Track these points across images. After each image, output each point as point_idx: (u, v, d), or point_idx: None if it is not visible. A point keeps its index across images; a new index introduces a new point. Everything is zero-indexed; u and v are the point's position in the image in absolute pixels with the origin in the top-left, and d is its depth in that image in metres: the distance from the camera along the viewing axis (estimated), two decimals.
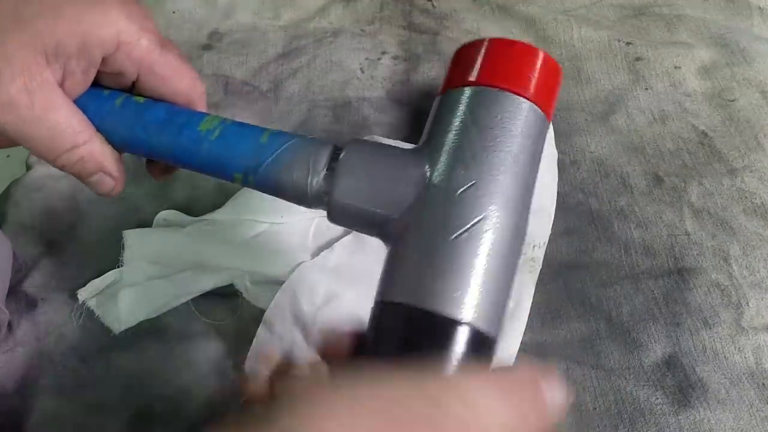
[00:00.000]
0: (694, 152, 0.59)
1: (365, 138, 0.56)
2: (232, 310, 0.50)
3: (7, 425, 0.45)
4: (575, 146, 0.60)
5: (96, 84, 0.34)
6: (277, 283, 0.49)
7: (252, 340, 0.47)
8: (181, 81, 0.34)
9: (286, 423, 0.20)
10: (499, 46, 0.28)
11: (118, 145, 0.34)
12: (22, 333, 0.48)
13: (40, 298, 0.50)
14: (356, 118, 0.61)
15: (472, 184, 0.25)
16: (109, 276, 0.50)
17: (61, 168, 0.33)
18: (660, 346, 0.48)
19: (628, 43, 0.67)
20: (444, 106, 0.28)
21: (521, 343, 0.47)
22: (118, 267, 0.50)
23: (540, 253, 0.52)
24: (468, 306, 0.24)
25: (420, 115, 0.62)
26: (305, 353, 0.45)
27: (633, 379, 0.46)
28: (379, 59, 0.66)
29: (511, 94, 0.27)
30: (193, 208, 0.54)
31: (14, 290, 0.50)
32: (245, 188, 0.53)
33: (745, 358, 0.47)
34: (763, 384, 0.46)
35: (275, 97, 0.63)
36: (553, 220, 0.53)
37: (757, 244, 0.53)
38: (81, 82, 0.32)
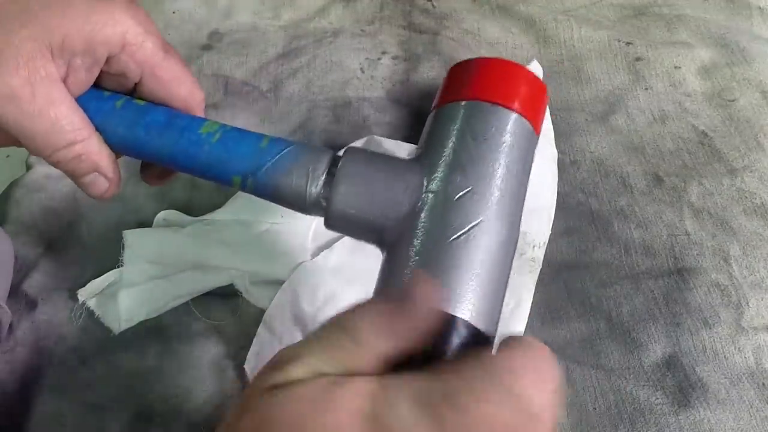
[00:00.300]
0: (694, 152, 0.59)
1: (365, 138, 0.56)
2: (232, 310, 0.50)
3: (7, 425, 0.45)
4: (575, 146, 0.60)
5: (97, 85, 0.34)
6: (277, 283, 0.49)
7: (252, 340, 0.47)
8: (181, 87, 0.34)
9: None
10: (490, 64, 0.31)
11: (116, 146, 0.34)
12: (22, 333, 0.48)
13: (40, 298, 0.50)
14: (356, 118, 0.61)
15: (469, 190, 0.27)
16: (109, 276, 0.50)
17: (56, 165, 0.33)
18: (660, 346, 0.48)
19: (628, 43, 0.67)
20: (440, 119, 0.30)
21: None
22: (118, 267, 0.50)
23: (540, 253, 0.52)
24: (465, 304, 0.25)
25: (420, 115, 0.62)
26: None
27: (633, 379, 0.46)
28: (379, 59, 0.66)
29: (503, 107, 0.29)
30: (193, 208, 0.54)
31: (14, 290, 0.50)
32: None
33: (745, 358, 0.47)
34: (763, 384, 0.46)
35: (275, 97, 0.63)
36: (553, 220, 0.53)
37: (757, 244, 0.53)
38: (84, 80, 0.33)
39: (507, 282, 0.28)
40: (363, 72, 0.65)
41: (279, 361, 0.22)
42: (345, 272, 0.49)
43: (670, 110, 0.62)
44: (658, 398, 0.45)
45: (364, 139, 0.56)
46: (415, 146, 0.30)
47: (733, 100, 0.63)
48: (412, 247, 0.26)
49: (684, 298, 0.50)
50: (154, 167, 0.38)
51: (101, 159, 0.33)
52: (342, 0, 0.72)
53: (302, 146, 0.30)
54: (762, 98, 0.62)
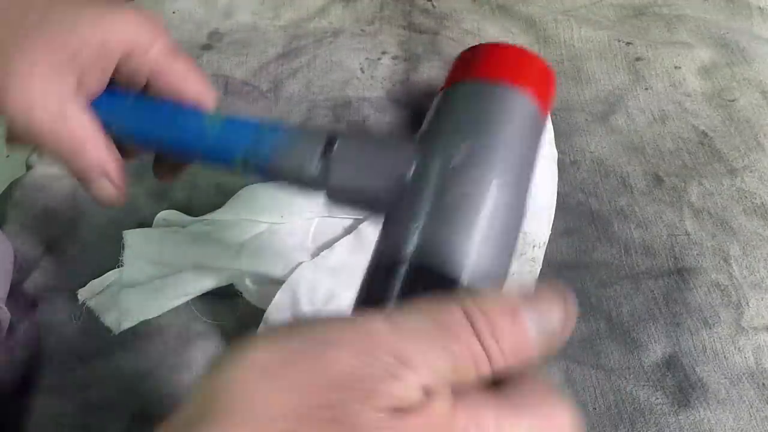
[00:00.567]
0: (694, 152, 0.59)
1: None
2: (232, 310, 0.50)
3: (7, 425, 0.45)
4: (575, 146, 0.60)
5: (108, 85, 0.35)
6: (277, 283, 0.49)
7: None
8: (190, 87, 0.35)
9: None
10: (499, 47, 0.31)
11: (125, 139, 0.35)
12: (22, 333, 0.48)
13: (40, 298, 0.50)
14: (356, 118, 0.61)
15: (469, 160, 0.26)
16: (109, 276, 0.50)
17: (68, 171, 0.34)
18: (660, 346, 0.48)
19: (628, 43, 0.67)
20: (445, 97, 0.30)
21: None
22: (118, 267, 0.50)
23: (540, 253, 0.52)
24: (468, 265, 0.25)
25: (420, 115, 0.62)
26: None
27: (633, 379, 0.46)
28: (379, 59, 0.66)
29: (510, 88, 0.28)
30: (193, 208, 0.54)
31: (14, 290, 0.50)
32: (245, 188, 0.53)
33: (745, 358, 0.47)
34: (763, 384, 0.46)
35: (275, 97, 0.63)
36: (553, 220, 0.53)
37: (757, 244, 0.53)
38: (96, 85, 0.33)
39: (512, 252, 0.27)
40: (363, 72, 0.65)
41: (395, 364, 0.18)
42: (345, 272, 0.49)
43: (670, 110, 0.62)
44: (658, 398, 0.45)
45: None
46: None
47: (733, 100, 0.63)
48: (411, 216, 0.26)
49: (684, 298, 0.50)
50: (165, 163, 0.39)
51: (110, 166, 0.34)
52: (342, 0, 0.72)
53: (300, 127, 0.32)
54: (762, 98, 0.62)
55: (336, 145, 0.29)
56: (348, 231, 0.51)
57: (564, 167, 0.57)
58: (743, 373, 0.46)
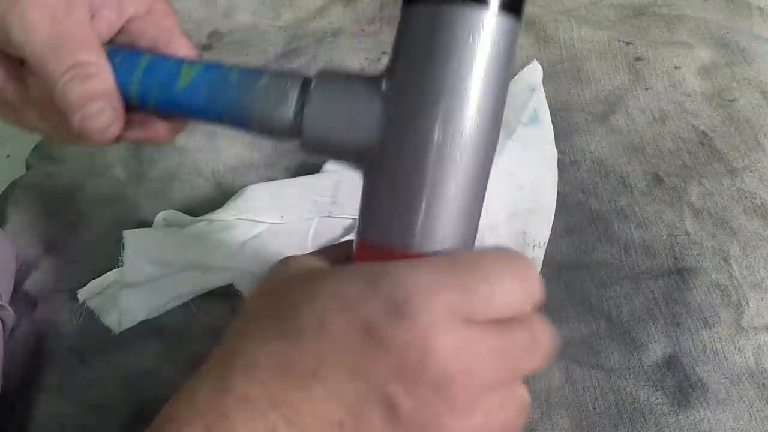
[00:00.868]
0: (694, 152, 0.59)
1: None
2: (232, 310, 0.50)
3: (7, 425, 0.45)
4: (575, 146, 0.60)
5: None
6: None
7: None
8: (173, 45, 0.34)
9: None
10: None
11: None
12: (22, 333, 0.48)
13: (40, 298, 0.50)
14: None
15: (441, 98, 0.26)
16: (109, 276, 0.50)
17: (62, 86, 0.29)
18: (660, 346, 0.48)
19: (628, 43, 0.67)
20: (407, 22, 0.27)
21: None
22: (118, 267, 0.50)
23: (540, 253, 0.52)
24: (441, 221, 0.26)
25: None
26: None
27: (633, 379, 0.46)
28: (379, 59, 0.66)
29: (478, 5, 0.26)
30: (193, 208, 0.55)
31: (14, 290, 0.50)
32: (245, 188, 0.53)
33: (745, 358, 0.47)
34: (763, 384, 0.46)
35: None
36: (553, 220, 0.53)
37: (757, 244, 0.53)
38: (103, 34, 0.32)
39: (483, 199, 0.28)
40: (363, 72, 0.65)
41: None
42: None
43: (670, 110, 0.62)
44: (658, 398, 0.45)
45: None
46: None
47: (733, 100, 0.63)
48: (387, 166, 0.26)
49: (684, 298, 0.50)
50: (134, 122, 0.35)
51: (111, 86, 0.31)
52: (342, 0, 0.72)
53: (273, 73, 0.30)
54: (762, 98, 0.62)
55: (312, 87, 0.28)
56: (348, 231, 0.51)
57: (564, 167, 0.57)
58: (743, 373, 0.46)
